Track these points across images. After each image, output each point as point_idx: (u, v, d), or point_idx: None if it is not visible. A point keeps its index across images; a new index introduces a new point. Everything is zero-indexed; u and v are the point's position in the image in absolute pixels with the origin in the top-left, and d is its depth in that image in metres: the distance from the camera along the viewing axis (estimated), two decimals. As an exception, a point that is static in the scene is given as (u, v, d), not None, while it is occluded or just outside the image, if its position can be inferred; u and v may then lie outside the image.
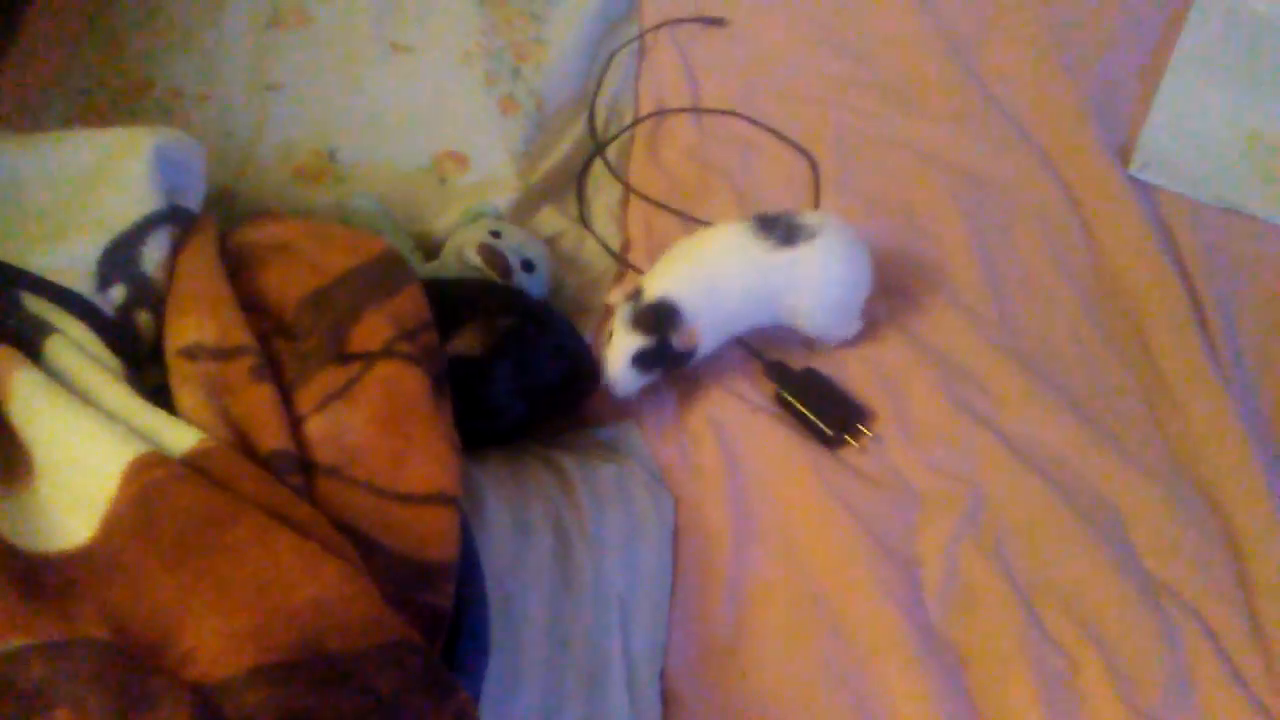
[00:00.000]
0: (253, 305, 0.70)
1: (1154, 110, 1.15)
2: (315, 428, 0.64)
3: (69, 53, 1.05)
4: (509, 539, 0.75)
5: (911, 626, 0.78)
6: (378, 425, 0.65)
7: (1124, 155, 1.11)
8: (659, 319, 0.83)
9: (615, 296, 0.84)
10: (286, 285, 0.71)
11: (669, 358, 0.85)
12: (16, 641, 0.50)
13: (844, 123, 1.13)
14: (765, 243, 0.86)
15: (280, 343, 0.68)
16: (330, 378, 0.67)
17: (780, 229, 0.86)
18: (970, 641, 0.79)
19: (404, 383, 0.67)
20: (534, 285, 0.88)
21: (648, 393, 0.88)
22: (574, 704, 0.70)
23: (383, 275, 0.73)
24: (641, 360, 0.83)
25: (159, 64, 1.02)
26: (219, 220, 0.77)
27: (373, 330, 0.69)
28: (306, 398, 0.66)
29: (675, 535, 0.83)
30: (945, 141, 1.12)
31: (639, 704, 0.73)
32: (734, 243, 0.87)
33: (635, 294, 0.84)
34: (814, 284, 0.88)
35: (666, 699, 0.75)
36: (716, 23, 1.21)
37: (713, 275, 0.86)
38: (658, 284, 0.84)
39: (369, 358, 0.68)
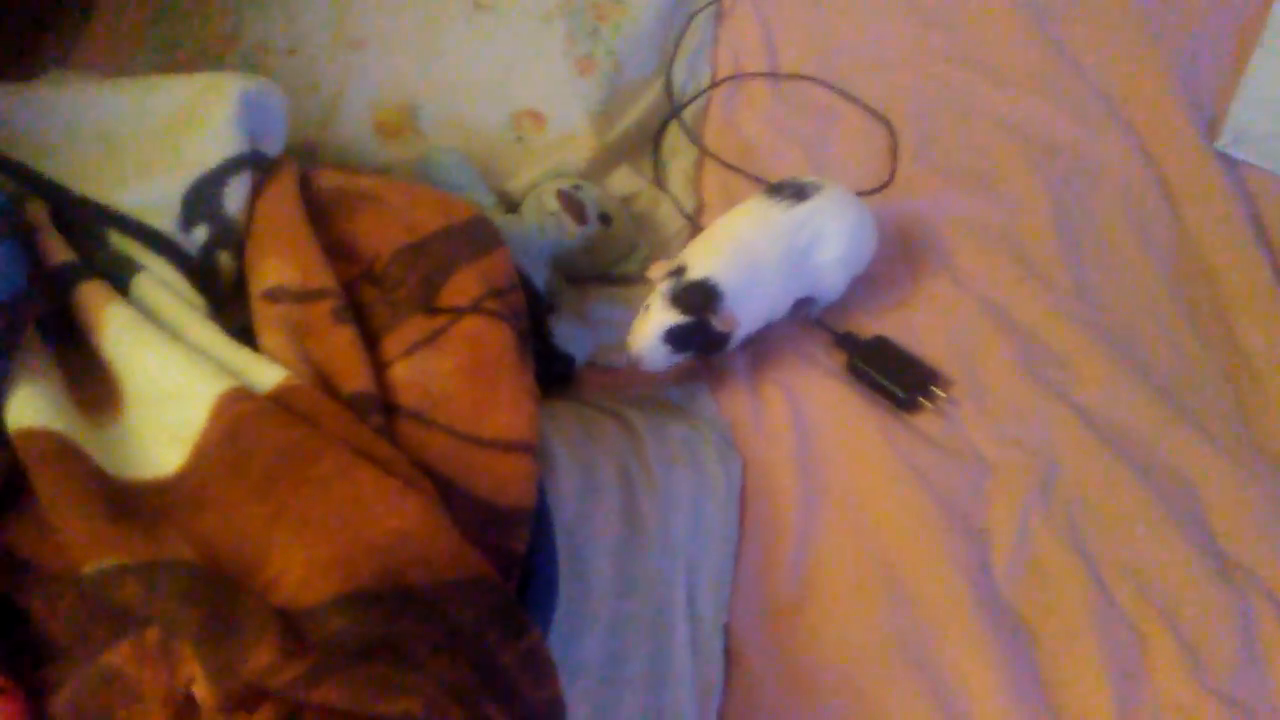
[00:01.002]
0: (341, 251, 0.71)
1: (1244, 84, 1.12)
2: (401, 372, 0.65)
3: (158, 5, 1.07)
4: (578, 491, 0.75)
5: (979, 596, 0.78)
6: (463, 374, 0.66)
7: (1212, 129, 1.09)
8: (701, 298, 0.81)
9: (656, 272, 0.84)
10: (378, 236, 0.72)
11: (706, 339, 0.83)
12: (110, 561, 0.52)
13: (924, 91, 1.12)
14: (782, 204, 0.86)
15: (368, 289, 0.69)
16: (419, 326, 0.68)
17: (790, 189, 0.87)
18: (1038, 614, 0.78)
19: (491, 336, 0.68)
20: (613, 241, 0.89)
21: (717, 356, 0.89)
22: (637, 654, 0.71)
23: (474, 236, 0.73)
24: (675, 338, 0.82)
25: (245, 18, 1.04)
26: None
27: (463, 287, 0.70)
28: (394, 344, 0.67)
29: (743, 496, 0.83)
30: (1028, 112, 1.10)
31: (702, 658, 0.74)
32: (759, 215, 0.86)
33: (678, 271, 0.83)
34: (836, 228, 0.87)
35: (729, 656, 0.75)
36: (797, -13, 1.20)
37: (753, 255, 0.84)
38: (702, 263, 0.82)
39: (458, 311, 0.69)
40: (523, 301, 0.72)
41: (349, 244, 0.72)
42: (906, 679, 0.74)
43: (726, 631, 0.76)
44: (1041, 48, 1.16)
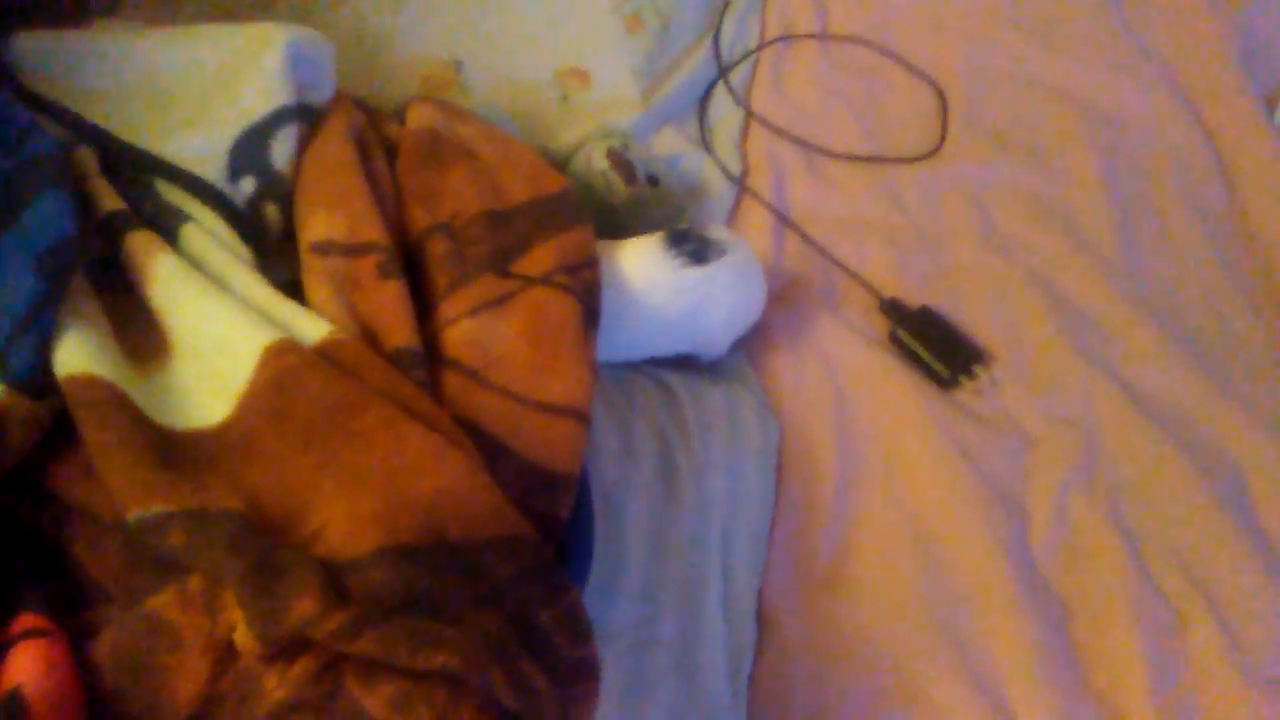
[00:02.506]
0: (424, 199, 0.71)
1: (1309, 57, 1.09)
2: (464, 330, 0.65)
3: (206, -45, 1.07)
4: (616, 454, 0.75)
5: (1016, 571, 0.77)
6: (525, 338, 0.66)
7: (1272, 103, 1.06)
8: None
9: None
10: (465, 196, 0.72)
11: None
12: (156, 508, 0.52)
13: (976, 56, 1.10)
14: (677, 260, 0.77)
15: (442, 240, 0.69)
16: (487, 287, 0.67)
17: (690, 247, 0.78)
18: (1076, 591, 0.77)
19: (557, 307, 0.68)
20: (660, 203, 0.88)
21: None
22: (670, 615, 0.71)
23: (557, 211, 0.73)
24: None
25: (294, -32, 1.03)
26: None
27: (537, 260, 0.70)
28: (462, 300, 0.67)
29: (779, 462, 0.82)
30: (1083, 81, 1.08)
31: (734, 622, 0.74)
32: (651, 267, 0.78)
33: None
34: (727, 300, 0.80)
35: (762, 620, 0.75)
36: (849, -52, 1.17)
37: (635, 305, 0.77)
38: None
39: (528, 280, 0.69)
40: (597, 279, 0.71)
41: (434, 194, 0.72)
42: (941, 652, 0.74)
43: (760, 597, 0.76)
44: (1099, 16, 1.13)
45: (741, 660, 0.73)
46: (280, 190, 0.71)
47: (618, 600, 0.70)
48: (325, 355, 0.61)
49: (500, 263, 0.70)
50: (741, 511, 0.78)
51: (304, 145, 0.73)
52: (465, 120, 0.80)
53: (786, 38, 1.10)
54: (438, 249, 0.69)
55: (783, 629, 0.75)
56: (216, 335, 0.61)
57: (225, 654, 0.51)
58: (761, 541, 0.78)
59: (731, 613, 0.74)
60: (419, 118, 0.77)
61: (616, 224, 0.89)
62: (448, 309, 0.66)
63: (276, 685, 0.49)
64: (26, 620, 0.51)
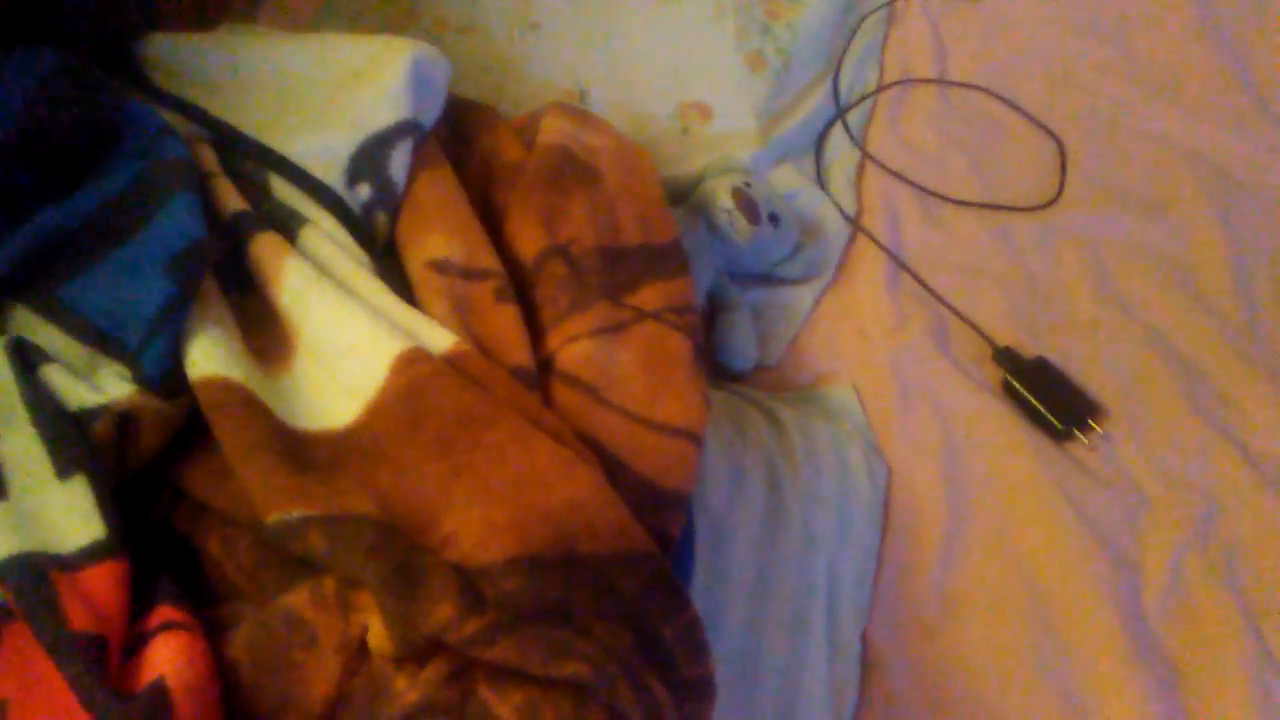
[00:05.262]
0: (546, 220, 0.72)
1: None
2: (584, 348, 0.66)
3: (342, -24, 1.10)
4: (724, 482, 0.75)
5: (1127, 630, 0.75)
6: (641, 365, 0.66)
7: (1406, 168, 1.03)
8: None
9: None
10: (584, 224, 0.73)
11: None
12: (295, 512, 0.53)
13: (1098, 109, 1.09)
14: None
15: (561, 264, 0.70)
16: (605, 313, 0.68)
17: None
18: (1188, 653, 0.75)
19: (670, 340, 0.68)
20: (779, 240, 0.88)
21: (867, 360, 0.88)
22: (774, 650, 0.71)
23: (667, 260, 0.74)
24: None
25: (427, -6, 1.06)
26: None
27: (647, 298, 0.71)
28: (582, 321, 0.67)
29: (886, 504, 0.82)
30: (1206, 139, 1.06)
31: (838, 662, 0.73)
32: None
33: None
34: None
35: (865, 664, 0.74)
36: (970, -4, 1.18)
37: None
38: None
39: (642, 312, 0.69)
40: (699, 323, 0.72)
41: (556, 216, 0.73)
42: (1048, 708, 0.72)
43: (864, 640, 0.75)
44: (1222, 73, 1.12)
45: (844, 703, 0.72)
46: (392, 201, 0.71)
47: (721, 630, 0.70)
48: (453, 365, 0.61)
49: (615, 294, 0.70)
50: (848, 552, 0.77)
51: (417, 160, 0.73)
52: (599, 131, 0.81)
53: (905, 81, 1.10)
54: (559, 270, 0.70)
55: (887, 675, 0.74)
56: (348, 340, 0.62)
57: (357, 654, 0.51)
58: (866, 584, 0.77)
59: (835, 653, 0.73)
60: (552, 130, 0.78)
61: (734, 262, 0.89)
62: (570, 327, 0.67)
63: (408, 687, 0.49)
64: (165, 613, 0.52)
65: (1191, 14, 1.17)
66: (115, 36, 0.73)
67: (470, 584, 0.51)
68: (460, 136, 0.79)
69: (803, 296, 0.93)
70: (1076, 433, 0.85)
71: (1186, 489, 0.83)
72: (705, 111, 0.99)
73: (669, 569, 0.56)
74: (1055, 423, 0.85)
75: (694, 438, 0.64)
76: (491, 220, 0.74)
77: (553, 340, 0.67)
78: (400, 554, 0.51)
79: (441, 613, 0.49)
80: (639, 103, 0.99)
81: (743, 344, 0.87)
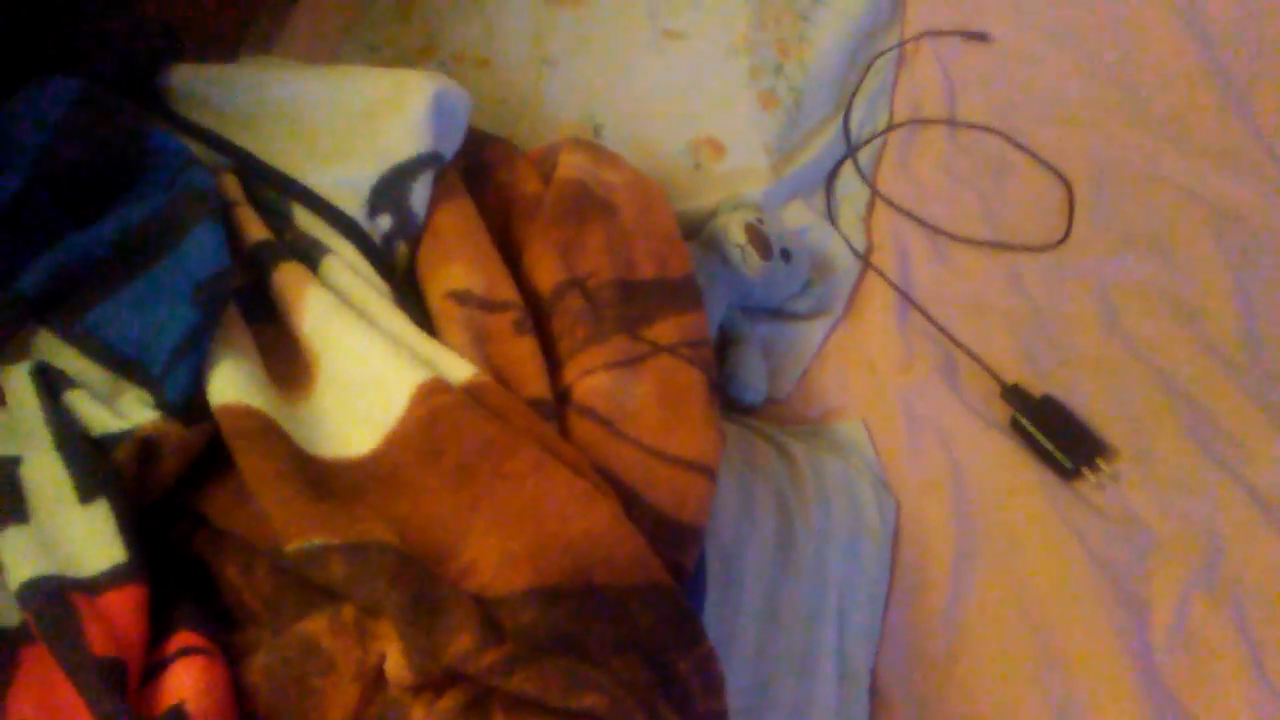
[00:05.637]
0: (566, 252, 0.73)
1: None
2: (600, 381, 0.66)
3: (360, 7, 1.12)
4: (735, 516, 0.76)
5: (1136, 669, 0.75)
6: (656, 399, 0.67)
7: None
8: None
9: None
10: (601, 258, 0.73)
11: None
12: (316, 540, 0.54)
13: (1105, 151, 1.10)
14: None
15: (578, 298, 0.71)
16: (621, 346, 0.69)
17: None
18: (1196, 694, 0.75)
19: (685, 374, 0.69)
20: (790, 275, 0.89)
21: (876, 396, 0.88)
22: (784, 685, 0.71)
23: (681, 294, 0.75)
24: None
25: (442, 29, 1.08)
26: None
27: (662, 332, 0.71)
28: (598, 354, 0.68)
29: (895, 539, 0.82)
30: (1214, 182, 1.07)
31: (848, 698, 0.73)
32: None
33: None
34: None
35: (874, 698, 0.74)
36: (979, 37, 1.19)
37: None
38: None
39: (657, 346, 0.70)
40: (712, 356, 0.73)
41: (573, 249, 0.73)
42: (1056, 746, 0.73)
43: (872, 674, 0.75)
44: (1227, 116, 1.13)
45: (853, 738, 0.72)
46: (412, 232, 0.72)
47: (731, 662, 0.70)
48: (472, 396, 0.62)
49: (630, 328, 0.71)
50: (857, 586, 0.77)
51: (437, 192, 0.74)
52: (615, 167, 0.82)
53: (915, 122, 1.11)
54: (576, 303, 0.70)
55: (895, 709, 0.74)
56: (369, 370, 0.62)
57: (374, 682, 0.51)
58: (876, 620, 0.77)
59: (845, 689, 0.73)
60: (569, 166, 0.79)
61: (744, 297, 0.90)
62: (586, 359, 0.68)
63: (425, 717, 0.49)
64: (184, 638, 0.52)
65: (1197, 57, 1.18)
66: (140, 67, 0.74)
67: (489, 614, 0.51)
68: (477, 169, 0.80)
69: (813, 331, 0.93)
70: (1084, 471, 0.85)
71: (1193, 527, 0.83)
72: (717, 148, 1.01)
73: (685, 602, 0.56)
74: (1064, 461, 0.85)
75: (708, 471, 0.64)
76: (509, 252, 0.74)
77: (569, 372, 0.67)
78: (420, 583, 0.52)
79: (461, 643, 0.49)
80: (652, 138, 1.01)
81: (753, 377, 0.87)
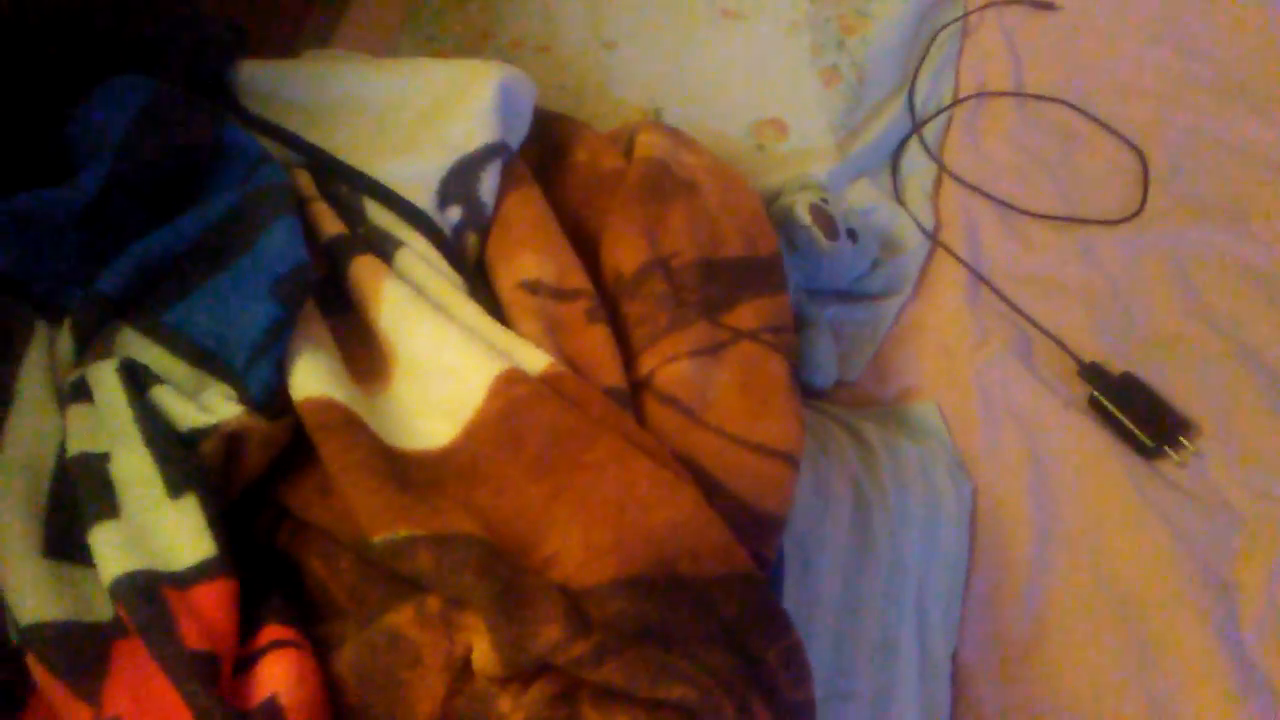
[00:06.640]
0: (647, 233, 0.72)
1: None
2: (683, 368, 0.66)
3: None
4: (810, 502, 0.75)
5: (1225, 651, 0.73)
6: (739, 387, 0.66)
7: None
8: None
9: None
10: (685, 236, 0.72)
11: None
12: (402, 531, 0.53)
13: (1178, 120, 1.07)
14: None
15: (661, 279, 0.70)
16: (703, 332, 0.68)
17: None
18: (1290, 676, 0.74)
19: (767, 362, 0.68)
20: (857, 256, 0.88)
21: (949, 376, 0.87)
22: (864, 672, 0.70)
23: (767, 275, 0.74)
24: None
25: (501, 14, 1.07)
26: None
27: (744, 317, 0.70)
28: (681, 340, 0.67)
29: (973, 522, 0.81)
30: (1287, 146, 1.04)
31: (930, 684, 0.72)
32: None
33: None
34: None
35: (957, 686, 0.73)
36: (1046, 6, 1.17)
37: None
38: None
39: (739, 332, 0.69)
40: (795, 342, 0.72)
41: (656, 228, 0.72)
42: (1145, 731, 0.71)
43: (954, 662, 0.74)
44: (1302, 80, 1.10)
45: (936, 722, 0.71)
46: (482, 222, 0.72)
47: (810, 652, 0.69)
48: (549, 386, 0.61)
49: (712, 313, 0.70)
50: (936, 572, 0.76)
51: (505, 181, 0.74)
52: (694, 150, 0.81)
53: (981, 95, 1.09)
54: (659, 286, 0.69)
55: (979, 698, 0.73)
56: (446, 362, 0.62)
57: (461, 674, 0.51)
58: (956, 605, 0.76)
59: (926, 675, 0.72)
60: (648, 146, 0.78)
61: (812, 278, 0.89)
62: (668, 346, 0.67)
63: (512, 709, 0.49)
64: (273, 631, 0.52)
65: (1266, 20, 1.14)
66: (208, 64, 0.74)
67: (576, 605, 0.51)
68: (553, 150, 0.80)
69: (883, 312, 0.92)
70: (1167, 449, 0.83)
71: (1280, 506, 0.81)
72: (780, 128, 0.99)
73: (770, 592, 0.55)
74: (1145, 440, 0.83)
75: (792, 460, 0.63)
76: (586, 235, 0.74)
77: (650, 359, 0.67)
78: (507, 574, 0.52)
79: (550, 634, 0.49)
80: (714, 120, 1.00)
81: (824, 360, 0.86)
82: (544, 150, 0.79)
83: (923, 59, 1.10)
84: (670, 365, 0.66)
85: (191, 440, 0.56)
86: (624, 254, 0.71)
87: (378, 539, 0.53)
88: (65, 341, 0.61)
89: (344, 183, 0.71)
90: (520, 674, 0.50)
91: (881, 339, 0.91)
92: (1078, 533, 0.80)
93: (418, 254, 0.68)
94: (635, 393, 0.66)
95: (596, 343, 0.66)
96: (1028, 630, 0.76)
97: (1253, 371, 0.88)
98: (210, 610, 0.51)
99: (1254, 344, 0.90)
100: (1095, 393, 0.86)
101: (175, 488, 0.54)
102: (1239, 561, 0.78)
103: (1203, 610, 0.75)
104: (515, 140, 0.76)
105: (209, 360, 0.59)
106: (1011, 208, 1.00)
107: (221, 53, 0.76)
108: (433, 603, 0.53)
